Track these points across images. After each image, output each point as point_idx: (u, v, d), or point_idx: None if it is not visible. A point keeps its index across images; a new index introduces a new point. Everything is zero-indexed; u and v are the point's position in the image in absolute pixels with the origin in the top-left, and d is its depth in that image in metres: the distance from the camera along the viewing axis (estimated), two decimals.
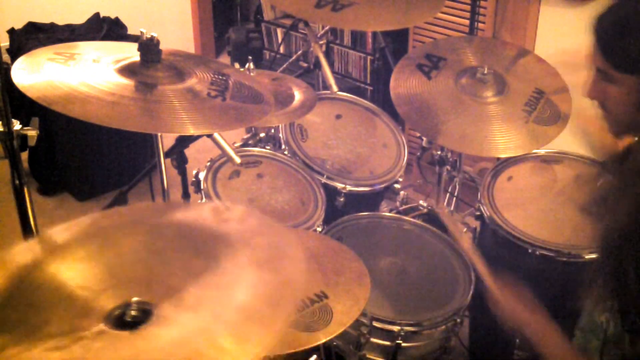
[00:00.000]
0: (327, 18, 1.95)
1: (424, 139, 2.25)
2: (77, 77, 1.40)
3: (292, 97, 2.14)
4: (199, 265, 1.05)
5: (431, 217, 2.20)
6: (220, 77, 1.57)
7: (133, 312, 0.98)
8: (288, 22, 3.98)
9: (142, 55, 1.49)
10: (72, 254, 1.09)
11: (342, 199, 2.06)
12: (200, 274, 1.04)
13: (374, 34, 3.42)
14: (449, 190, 2.59)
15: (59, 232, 1.15)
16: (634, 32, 1.13)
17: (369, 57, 3.55)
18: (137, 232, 1.14)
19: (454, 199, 2.61)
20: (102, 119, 1.31)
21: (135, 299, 1.00)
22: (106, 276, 1.06)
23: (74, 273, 1.06)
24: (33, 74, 1.38)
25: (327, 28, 2.98)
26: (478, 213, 1.99)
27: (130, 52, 1.53)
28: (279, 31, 4.05)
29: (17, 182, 1.37)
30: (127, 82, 1.43)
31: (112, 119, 1.32)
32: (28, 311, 0.99)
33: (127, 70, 1.47)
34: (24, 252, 1.10)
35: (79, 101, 1.32)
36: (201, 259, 1.07)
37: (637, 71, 1.13)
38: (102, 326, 0.97)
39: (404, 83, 1.99)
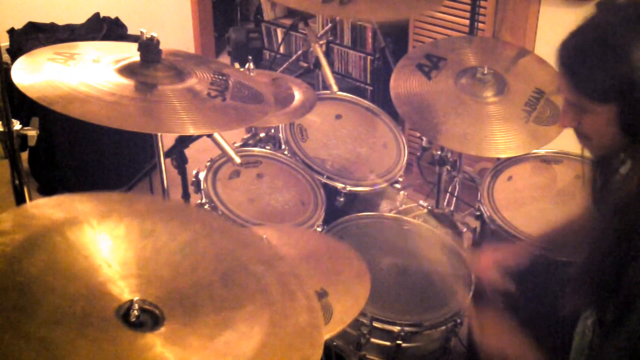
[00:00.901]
0: (335, 11, 1.94)
1: (424, 139, 2.25)
2: (77, 77, 1.40)
3: (292, 97, 2.14)
4: (222, 296, 1.05)
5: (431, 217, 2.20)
6: (220, 77, 1.57)
7: (142, 314, 0.97)
8: (288, 22, 3.98)
9: (142, 55, 1.49)
10: (113, 227, 1.09)
11: (342, 199, 2.06)
12: (220, 306, 1.03)
13: (374, 33, 3.41)
14: (449, 190, 2.59)
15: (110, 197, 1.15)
16: (601, 59, 1.06)
17: (369, 57, 3.54)
18: (182, 236, 1.14)
19: (454, 199, 2.61)
20: (102, 119, 1.31)
21: (150, 300, 1.00)
22: (125, 264, 1.05)
23: (104, 247, 1.06)
24: (33, 74, 1.38)
25: (327, 28, 2.98)
26: (478, 213, 1.99)
27: (130, 52, 1.53)
28: (279, 31, 4.05)
29: (17, 182, 1.37)
30: (127, 82, 1.43)
31: (112, 119, 1.32)
32: (44, 273, 0.98)
33: (127, 70, 1.47)
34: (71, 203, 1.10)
35: (79, 101, 1.32)
36: (227, 290, 1.06)
37: (614, 99, 1.06)
38: (111, 317, 0.96)
39: (404, 83, 1.99)
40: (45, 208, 1.10)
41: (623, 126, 1.07)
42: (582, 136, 1.18)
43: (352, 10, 1.90)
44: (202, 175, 1.94)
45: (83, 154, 3.15)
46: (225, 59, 4.60)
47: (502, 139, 1.87)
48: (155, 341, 0.94)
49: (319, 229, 1.91)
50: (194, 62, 1.60)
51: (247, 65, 2.15)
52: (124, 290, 1.01)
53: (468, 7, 2.79)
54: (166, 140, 1.80)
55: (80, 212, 1.11)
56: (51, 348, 0.87)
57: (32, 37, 3.18)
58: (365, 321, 1.63)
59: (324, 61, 2.22)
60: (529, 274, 1.56)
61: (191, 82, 1.51)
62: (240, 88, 1.58)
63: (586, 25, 1.10)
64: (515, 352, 1.34)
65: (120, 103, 1.36)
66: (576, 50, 1.11)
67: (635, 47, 1.02)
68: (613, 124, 1.08)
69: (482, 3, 2.78)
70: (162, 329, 0.96)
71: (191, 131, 1.44)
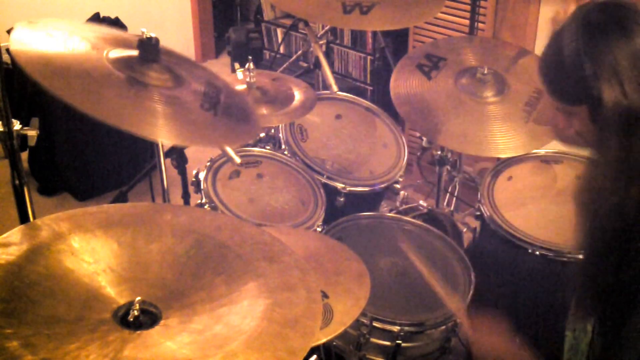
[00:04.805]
0: (357, 22, 1.98)
1: (424, 139, 2.25)
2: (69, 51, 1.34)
3: (292, 97, 2.14)
4: (216, 286, 1.06)
5: (431, 217, 2.20)
6: (212, 89, 1.53)
7: (141, 314, 0.98)
8: (288, 22, 3.98)
9: (140, 53, 1.48)
10: (120, 235, 1.11)
11: (342, 199, 2.06)
12: (215, 296, 1.04)
13: (374, 33, 3.42)
14: (449, 190, 2.59)
15: (94, 211, 1.16)
16: (560, 67, 1.11)
17: (369, 57, 3.55)
18: (189, 239, 1.15)
19: (454, 199, 2.61)
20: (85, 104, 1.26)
21: (150, 301, 1.01)
22: (129, 269, 1.07)
23: (109, 253, 1.08)
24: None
25: (327, 28, 2.98)
26: (478, 213, 1.99)
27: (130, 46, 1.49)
28: (279, 31, 4.05)
29: (17, 182, 1.37)
30: (118, 74, 1.39)
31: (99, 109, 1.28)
32: (44, 282, 0.99)
33: (122, 63, 1.43)
34: (57, 221, 1.11)
35: (64, 76, 1.27)
36: (221, 279, 1.08)
37: (583, 100, 1.09)
38: (108, 320, 0.97)
39: (404, 83, 1.99)
40: (55, 221, 1.12)
41: (595, 124, 1.10)
42: (582, 139, 1.21)
43: (372, 19, 1.93)
44: (202, 175, 1.94)
45: (83, 154, 3.15)
46: (225, 59, 4.60)
47: (502, 139, 1.87)
48: (149, 339, 0.95)
49: (319, 229, 1.91)
50: (189, 68, 1.57)
51: (247, 65, 2.15)
52: (125, 292, 1.02)
53: (468, 7, 2.79)
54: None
55: (87, 223, 1.13)
56: (42, 351, 0.88)
57: None
58: (365, 321, 1.63)
59: (324, 61, 2.22)
60: (527, 273, 1.56)
61: (184, 90, 1.47)
62: (231, 104, 1.55)
63: (554, 33, 1.14)
64: (510, 354, 1.34)
65: (107, 92, 1.32)
66: (544, 60, 1.16)
67: (585, 54, 1.05)
68: (590, 122, 1.11)
69: (482, 3, 2.78)
70: (158, 327, 0.97)
71: (172, 141, 1.38)
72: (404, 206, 2.25)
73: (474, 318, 1.45)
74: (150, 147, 3.07)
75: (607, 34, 1.05)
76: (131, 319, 0.97)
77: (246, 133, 1.52)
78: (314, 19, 2.15)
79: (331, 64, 3.64)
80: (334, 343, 1.71)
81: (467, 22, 2.80)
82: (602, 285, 1.10)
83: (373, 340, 1.67)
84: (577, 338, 1.25)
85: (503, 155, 2.02)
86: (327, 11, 1.98)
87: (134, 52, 1.47)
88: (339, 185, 2.06)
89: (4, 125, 1.32)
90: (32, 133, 1.36)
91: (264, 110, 2.04)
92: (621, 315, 1.07)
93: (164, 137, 1.38)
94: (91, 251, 1.07)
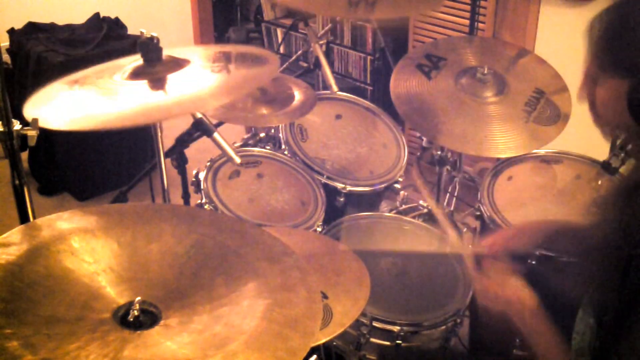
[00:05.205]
0: (363, 13, 1.94)
1: (424, 139, 2.25)
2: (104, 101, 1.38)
3: (292, 97, 2.14)
4: (216, 286, 1.07)
5: (431, 217, 2.20)
6: (221, 54, 1.57)
7: (141, 314, 0.98)
8: (288, 22, 3.98)
9: (143, 55, 1.48)
10: (120, 235, 1.12)
11: (342, 199, 2.06)
12: (215, 296, 1.05)
13: (374, 33, 3.42)
14: (449, 190, 2.59)
15: (94, 212, 1.17)
16: (632, 35, 1.06)
17: (369, 57, 3.54)
18: (189, 239, 1.15)
19: (454, 199, 2.61)
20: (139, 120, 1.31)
21: (150, 300, 1.01)
22: (130, 269, 1.07)
23: (109, 253, 1.08)
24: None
25: (327, 28, 2.98)
26: (478, 213, 1.99)
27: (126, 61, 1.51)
28: (279, 31, 4.05)
29: (17, 182, 1.37)
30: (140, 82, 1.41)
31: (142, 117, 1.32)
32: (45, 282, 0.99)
33: (135, 75, 1.45)
34: (57, 221, 1.12)
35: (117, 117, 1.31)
36: (221, 279, 1.08)
37: (629, 75, 1.07)
38: (108, 320, 0.97)
39: (404, 83, 1.99)
40: (55, 221, 1.12)
41: (630, 104, 1.07)
42: (594, 111, 1.18)
43: (378, 10, 1.89)
44: (202, 175, 1.94)
45: (83, 154, 3.15)
46: None
47: (502, 139, 1.87)
48: (149, 339, 0.95)
49: (319, 229, 1.91)
50: (191, 50, 1.60)
51: None
52: (125, 292, 1.02)
53: (468, 7, 2.79)
54: (166, 141, 1.80)
55: (87, 223, 1.13)
56: (42, 351, 0.88)
57: (32, 37, 3.17)
58: (365, 321, 1.63)
59: (324, 61, 2.22)
60: (531, 273, 1.55)
61: (193, 65, 1.50)
62: (243, 57, 1.57)
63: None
64: (518, 301, 1.34)
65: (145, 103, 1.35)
66: (609, 22, 1.11)
67: None
68: (622, 99, 1.08)
69: (482, 3, 2.78)
70: (158, 327, 0.97)
71: (213, 103, 1.45)
72: (404, 206, 2.25)
73: (479, 261, 1.45)
74: (150, 147, 3.07)
75: None
76: (131, 319, 0.97)
77: (268, 72, 1.55)
78: (317, 10, 2.11)
79: (331, 64, 3.64)
80: (334, 343, 1.71)
81: (467, 22, 2.80)
82: (606, 284, 1.10)
83: (373, 340, 1.67)
84: (583, 341, 1.25)
85: (503, 155, 2.02)
86: (332, 5, 1.95)
87: (138, 59, 1.47)
88: (339, 185, 2.06)
89: (4, 125, 1.32)
90: (32, 133, 1.36)
91: (264, 110, 2.04)
92: (622, 317, 1.07)
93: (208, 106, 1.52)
94: (91, 251, 1.07)
